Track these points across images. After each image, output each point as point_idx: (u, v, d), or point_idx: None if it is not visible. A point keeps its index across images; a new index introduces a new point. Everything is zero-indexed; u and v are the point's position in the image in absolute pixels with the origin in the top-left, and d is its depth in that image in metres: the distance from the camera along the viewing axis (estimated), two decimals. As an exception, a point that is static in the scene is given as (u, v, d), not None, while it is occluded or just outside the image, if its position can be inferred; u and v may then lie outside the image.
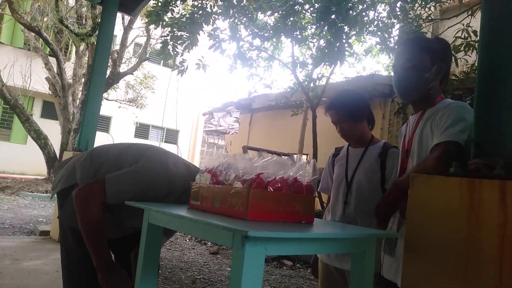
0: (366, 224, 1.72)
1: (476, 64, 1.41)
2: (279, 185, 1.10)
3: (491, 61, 1.12)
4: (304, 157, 9.45)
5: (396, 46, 6.13)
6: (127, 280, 1.44)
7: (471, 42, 4.40)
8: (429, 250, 0.96)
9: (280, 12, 6.36)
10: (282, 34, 6.74)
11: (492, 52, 1.12)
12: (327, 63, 6.63)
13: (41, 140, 9.19)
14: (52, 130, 11.08)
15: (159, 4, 6.20)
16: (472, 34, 4.41)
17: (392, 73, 1.58)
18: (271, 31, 6.95)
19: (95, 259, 1.40)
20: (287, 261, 4.78)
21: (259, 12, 6.89)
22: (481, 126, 1.07)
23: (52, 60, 10.02)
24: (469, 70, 4.76)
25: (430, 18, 6.18)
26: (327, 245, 1.04)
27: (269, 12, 6.61)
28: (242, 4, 6.54)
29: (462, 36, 4.59)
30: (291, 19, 6.42)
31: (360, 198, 1.81)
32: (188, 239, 5.57)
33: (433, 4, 6.13)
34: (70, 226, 1.56)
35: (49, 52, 10.42)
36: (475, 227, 0.87)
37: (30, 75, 11.76)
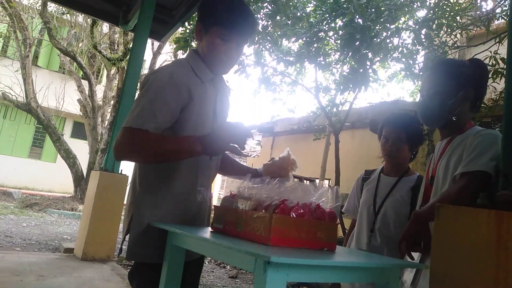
0: (393, 254, 1.67)
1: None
2: (301, 211, 1.11)
3: (519, 91, 1.11)
4: (326, 182, 9.35)
5: (421, 73, 6.09)
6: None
7: (499, 70, 4.33)
8: (456, 284, 0.93)
9: (304, 39, 6.48)
10: (306, 60, 6.85)
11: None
12: (351, 89, 6.65)
13: (70, 159, 9.52)
14: (81, 149, 11.48)
15: (187, 30, 6.46)
16: (500, 61, 4.35)
17: (417, 99, 1.57)
18: (295, 57, 7.06)
19: (188, 149, 1.21)
20: (307, 289, 4.66)
21: (284, 39, 7.04)
22: (509, 156, 1.05)
23: (84, 83, 10.50)
24: (497, 98, 4.66)
25: (456, 45, 6.14)
26: (349, 274, 1.02)
27: (293, 39, 6.75)
28: (267, 31, 6.72)
29: (490, 63, 4.53)
30: (315, 45, 6.53)
31: (386, 228, 1.77)
32: (207, 262, 5.54)
33: (459, 31, 6.10)
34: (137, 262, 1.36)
35: (82, 75, 10.94)
36: (503, 261, 0.84)
37: (64, 97, 12.34)
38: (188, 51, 1.45)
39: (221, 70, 1.40)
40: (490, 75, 4.53)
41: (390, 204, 1.81)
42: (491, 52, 4.55)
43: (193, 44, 6.62)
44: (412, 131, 1.84)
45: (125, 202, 5.10)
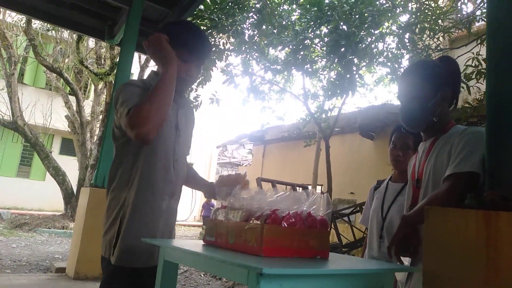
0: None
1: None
2: (293, 220, 1.11)
3: (500, 90, 1.13)
4: (318, 187, 9.36)
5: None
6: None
7: (482, 70, 4.42)
8: (448, 284, 0.93)
9: (291, 47, 6.55)
10: (293, 67, 6.92)
11: (500, 82, 1.14)
12: (338, 95, 6.71)
13: (59, 176, 9.38)
14: (70, 166, 11.33)
15: (174, 43, 6.47)
16: (482, 62, 4.44)
17: None
18: (282, 65, 7.13)
19: (167, 69, 1.38)
20: (305, 297, 4.63)
21: (270, 48, 7.10)
22: (494, 157, 1.06)
23: (72, 99, 10.41)
24: (482, 97, 4.74)
25: (439, 48, 6.26)
26: (343, 281, 1.02)
27: (280, 47, 6.82)
28: (254, 40, 6.77)
29: (473, 64, 4.62)
30: (302, 53, 6.60)
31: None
32: (203, 275, 5.48)
33: (442, 34, 6.22)
34: (118, 266, 1.36)
35: (69, 91, 10.85)
36: (493, 261, 0.85)
37: (51, 113, 12.20)
38: (149, 73, 1.61)
39: (182, 87, 1.53)
40: (473, 76, 4.62)
41: (395, 209, 1.82)
42: (473, 53, 4.64)
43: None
44: (419, 138, 1.86)
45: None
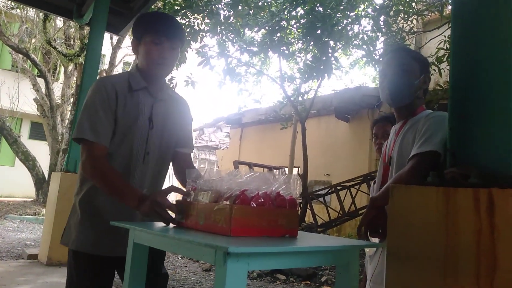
0: None
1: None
2: (262, 200, 1.11)
3: (462, 72, 1.16)
4: (295, 169, 9.48)
5: (381, 58, 6.26)
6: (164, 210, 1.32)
7: (452, 53, 4.52)
8: (410, 259, 0.97)
9: (267, 28, 6.48)
10: (269, 49, 6.86)
11: (462, 63, 1.16)
12: (314, 78, 6.72)
13: (29, 161, 9.08)
14: (41, 151, 10.96)
15: (147, 23, 6.26)
16: (453, 45, 4.54)
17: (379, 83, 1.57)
18: (258, 47, 7.05)
19: (126, 201, 1.35)
20: (281, 275, 4.74)
21: (246, 29, 7.00)
22: (455, 136, 1.10)
23: (40, 81, 9.99)
24: (452, 80, 4.87)
25: (412, 30, 6.34)
26: (310, 258, 1.04)
27: (256, 28, 6.73)
28: (229, 21, 6.65)
29: (444, 47, 4.71)
30: (278, 35, 6.55)
31: None
32: (180, 257, 5.50)
33: (415, 17, 6.30)
34: (74, 251, 1.44)
35: (37, 73, 10.39)
36: (452, 235, 0.88)
37: (18, 96, 11.69)
38: (132, 67, 1.63)
39: (158, 73, 1.51)
40: (444, 59, 4.72)
41: None
42: (445, 36, 4.73)
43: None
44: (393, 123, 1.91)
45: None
